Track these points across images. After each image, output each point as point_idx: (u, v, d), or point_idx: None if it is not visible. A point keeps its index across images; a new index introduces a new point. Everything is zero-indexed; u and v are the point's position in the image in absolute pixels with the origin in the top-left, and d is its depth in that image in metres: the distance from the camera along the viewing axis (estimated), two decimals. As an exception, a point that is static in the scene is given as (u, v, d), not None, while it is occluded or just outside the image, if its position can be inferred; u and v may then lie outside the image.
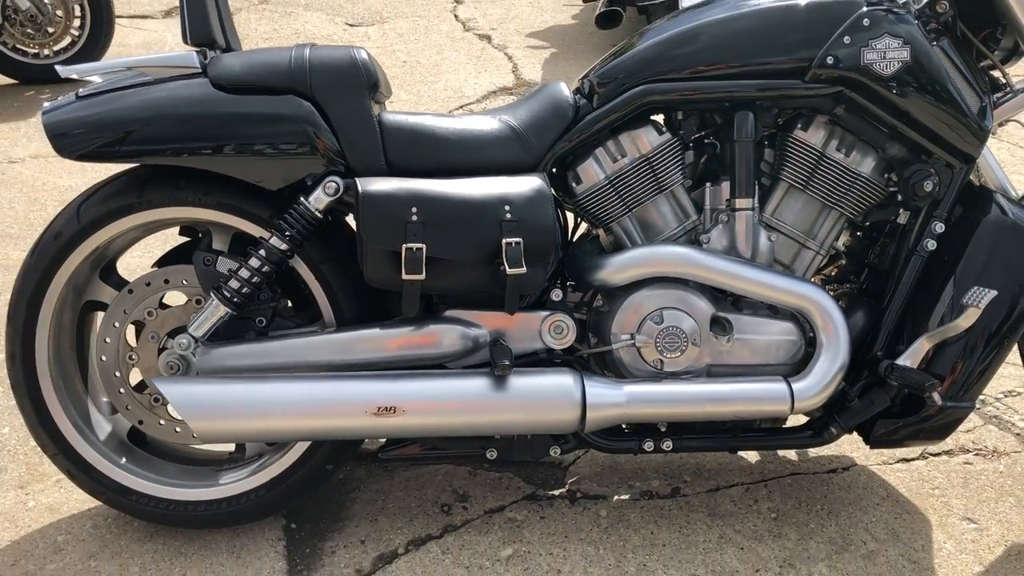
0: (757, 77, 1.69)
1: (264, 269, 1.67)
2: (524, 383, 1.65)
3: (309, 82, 1.65)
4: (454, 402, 1.64)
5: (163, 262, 1.86)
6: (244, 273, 1.66)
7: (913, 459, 2.10)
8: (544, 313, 1.73)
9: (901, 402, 1.76)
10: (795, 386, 1.69)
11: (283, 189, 1.69)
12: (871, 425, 1.77)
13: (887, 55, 1.65)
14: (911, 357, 1.70)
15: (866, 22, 1.66)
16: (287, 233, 1.65)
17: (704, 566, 1.81)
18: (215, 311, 1.67)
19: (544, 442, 1.78)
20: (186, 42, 1.72)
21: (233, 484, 1.82)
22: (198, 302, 1.75)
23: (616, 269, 1.71)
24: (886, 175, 1.77)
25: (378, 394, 1.62)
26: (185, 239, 1.90)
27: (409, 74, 4.70)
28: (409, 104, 4.29)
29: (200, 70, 1.69)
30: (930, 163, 1.72)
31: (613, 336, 1.73)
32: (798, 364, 1.76)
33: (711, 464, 2.08)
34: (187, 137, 1.62)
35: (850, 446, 2.10)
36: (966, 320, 1.65)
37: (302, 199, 1.65)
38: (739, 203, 1.74)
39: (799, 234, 1.79)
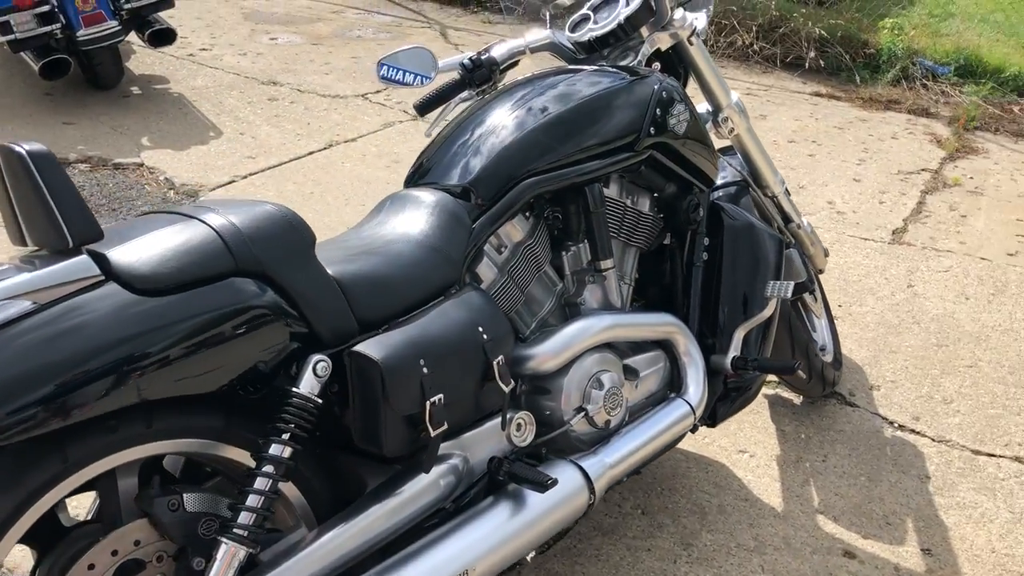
0: (605, 156, 1.89)
1: (275, 489, 1.38)
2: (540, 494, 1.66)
3: (257, 259, 1.39)
4: (506, 539, 1.59)
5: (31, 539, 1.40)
6: (253, 500, 1.36)
7: (672, 423, 2.57)
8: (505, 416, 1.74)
9: (726, 386, 2.18)
10: (689, 401, 2.00)
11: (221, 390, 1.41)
12: (713, 411, 2.17)
13: (680, 117, 2.00)
14: (736, 348, 2.13)
15: (664, 94, 1.98)
16: (286, 435, 1.39)
17: (642, 578, 2.06)
18: (231, 559, 1.34)
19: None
20: (65, 248, 1.28)
21: None
22: (159, 559, 1.37)
23: (550, 355, 1.78)
24: (655, 209, 2.13)
25: (449, 566, 1.50)
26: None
27: None
28: None
29: (102, 275, 1.29)
30: (693, 193, 2.13)
31: (563, 414, 1.81)
32: (669, 385, 2.06)
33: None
34: (130, 370, 1.26)
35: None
36: (769, 309, 2.13)
37: (294, 391, 1.40)
38: (603, 264, 1.94)
39: (620, 274, 2.07)
